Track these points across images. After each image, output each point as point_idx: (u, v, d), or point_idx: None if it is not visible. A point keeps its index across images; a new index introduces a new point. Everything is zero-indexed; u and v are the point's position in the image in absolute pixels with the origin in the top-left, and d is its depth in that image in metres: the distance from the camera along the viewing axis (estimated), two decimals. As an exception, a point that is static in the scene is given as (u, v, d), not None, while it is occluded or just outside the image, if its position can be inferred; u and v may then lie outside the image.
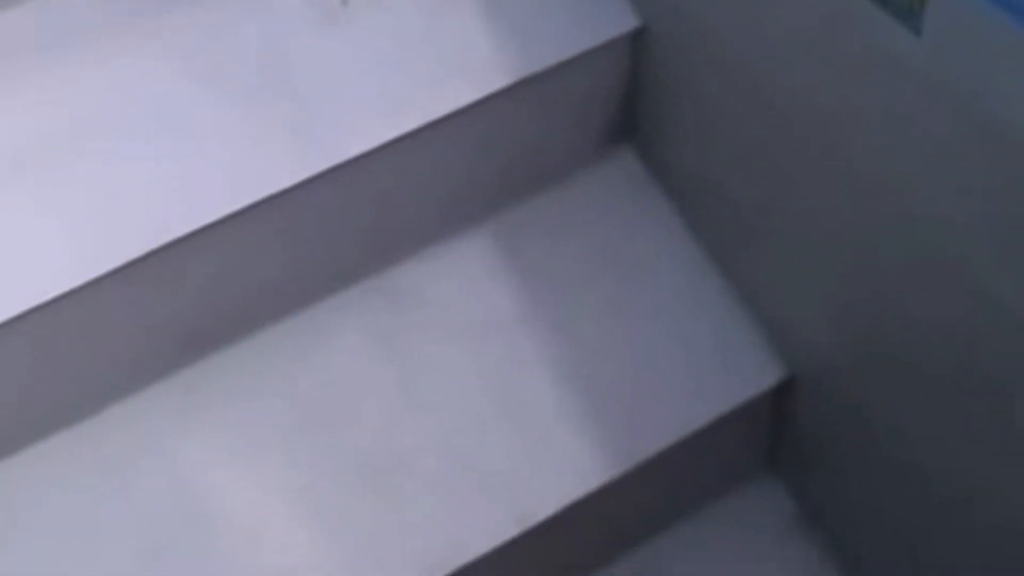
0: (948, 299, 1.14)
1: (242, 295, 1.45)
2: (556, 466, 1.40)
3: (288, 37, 1.43)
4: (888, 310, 1.26)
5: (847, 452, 1.46)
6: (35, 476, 1.38)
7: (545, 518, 1.38)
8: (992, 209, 1.04)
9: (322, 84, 1.40)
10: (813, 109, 1.23)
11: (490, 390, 1.45)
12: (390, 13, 1.45)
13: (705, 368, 1.46)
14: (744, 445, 1.59)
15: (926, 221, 1.12)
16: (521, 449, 1.41)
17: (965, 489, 1.26)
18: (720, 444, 1.50)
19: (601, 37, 1.47)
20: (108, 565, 1.35)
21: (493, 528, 1.37)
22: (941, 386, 1.22)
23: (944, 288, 1.14)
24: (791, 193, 1.33)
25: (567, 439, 1.41)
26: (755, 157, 1.37)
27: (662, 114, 1.53)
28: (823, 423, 1.48)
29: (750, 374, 1.46)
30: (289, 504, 1.39)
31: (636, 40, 1.48)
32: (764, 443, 1.60)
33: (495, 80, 1.42)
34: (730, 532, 1.60)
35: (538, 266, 1.52)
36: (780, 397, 1.48)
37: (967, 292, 1.11)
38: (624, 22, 1.47)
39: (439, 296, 1.51)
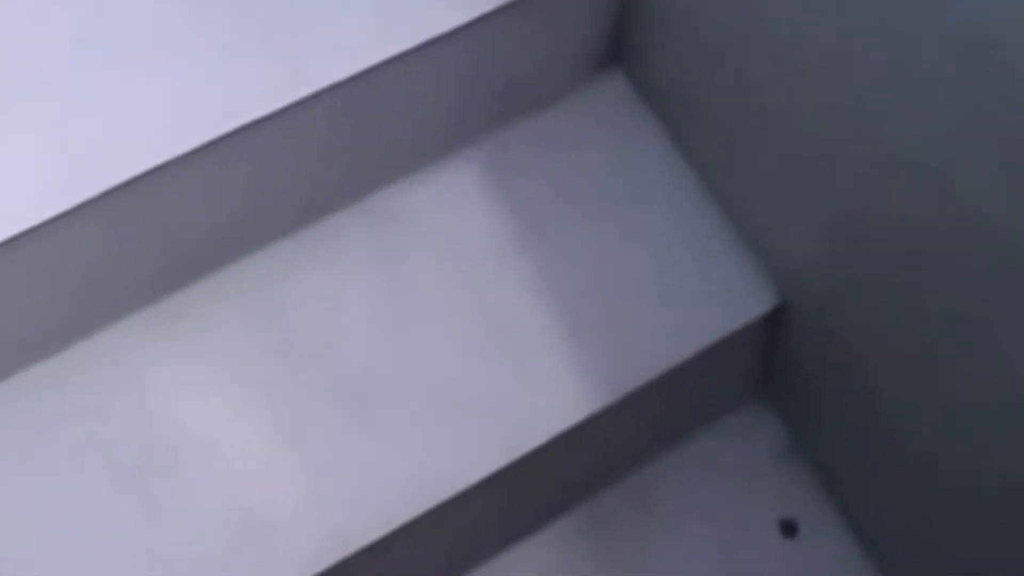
0: (926, 209, 1.13)
1: (226, 221, 1.42)
2: (545, 395, 1.39)
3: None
4: (875, 228, 1.24)
5: (837, 379, 1.45)
6: (10, 405, 1.38)
7: (534, 448, 1.37)
8: (968, 120, 1.03)
9: (307, 7, 1.37)
10: (801, 30, 1.21)
11: (479, 317, 1.43)
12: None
13: (697, 295, 1.43)
14: (735, 373, 1.57)
15: (905, 136, 1.12)
16: (510, 378, 1.40)
17: (953, 411, 1.26)
18: (711, 372, 1.49)
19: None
20: (85, 488, 1.34)
21: (480, 459, 1.36)
22: (925, 307, 1.22)
23: (923, 200, 1.13)
24: (780, 113, 1.31)
25: (557, 368, 1.40)
26: (744, 79, 1.34)
27: (651, 38, 1.50)
28: (814, 350, 1.47)
29: (742, 301, 1.44)
30: (270, 432, 1.37)
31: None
32: (755, 371, 1.59)
33: (484, 3, 1.39)
34: (720, 460, 1.59)
35: (529, 191, 1.50)
36: (772, 324, 1.47)
37: (945, 203, 1.10)
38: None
39: (427, 219, 1.49)
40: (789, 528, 1.54)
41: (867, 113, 1.16)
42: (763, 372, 1.59)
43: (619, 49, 1.55)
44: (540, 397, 1.39)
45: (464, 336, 1.43)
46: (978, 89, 1.00)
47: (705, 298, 1.44)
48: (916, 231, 1.17)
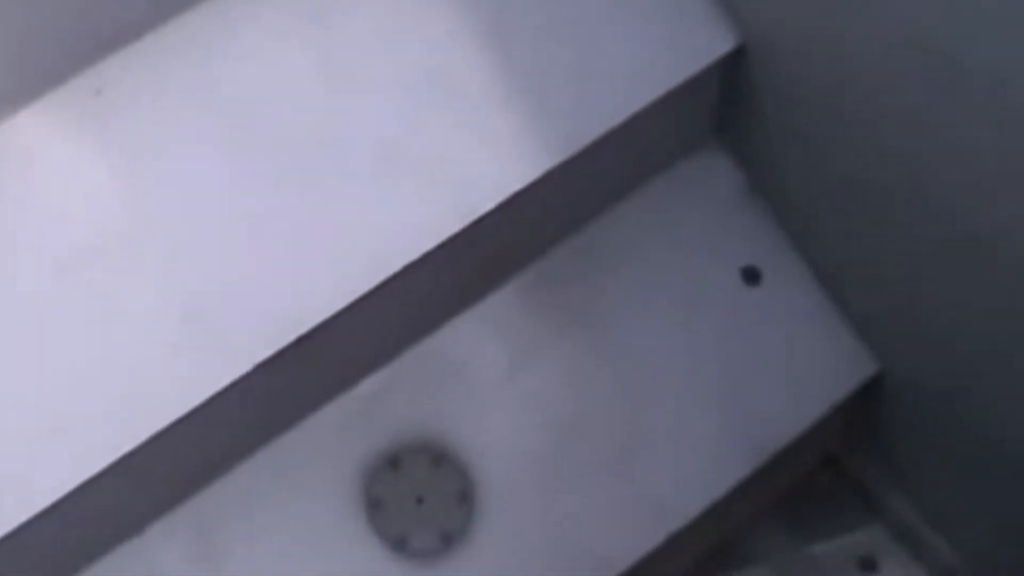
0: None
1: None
2: (499, 154, 1.31)
3: None
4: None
5: (797, 119, 1.39)
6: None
7: (489, 210, 1.31)
8: None
9: None
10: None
11: (425, 71, 1.33)
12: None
13: (654, 39, 1.34)
14: (691, 118, 1.50)
15: None
16: (460, 137, 1.31)
17: (902, 157, 1.22)
18: (668, 118, 1.41)
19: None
20: (22, 282, 1.27)
21: (434, 224, 1.30)
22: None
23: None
24: None
25: (509, 124, 1.31)
26: None
27: None
28: (774, 91, 1.40)
29: (701, 44, 1.35)
30: (211, 208, 1.29)
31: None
32: (711, 115, 1.51)
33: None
34: (677, 208, 1.53)
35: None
36: (730, 65, 1.39)
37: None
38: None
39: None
40: (752, 275, 1.50)
41: None
42: (719, 116, 1.52)
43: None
44: (493, 156, 1.31)
45: (411, 93, 1.33)
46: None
47: (664, 42, 1.35)
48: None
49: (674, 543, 1.45)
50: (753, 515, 1.68)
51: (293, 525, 1.40)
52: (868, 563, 1.65)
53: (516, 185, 1.31)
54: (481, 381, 1.46)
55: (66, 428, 1.23)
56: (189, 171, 1.30)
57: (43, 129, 1.30)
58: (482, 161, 1.32)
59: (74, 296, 1.25)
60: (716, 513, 1.48)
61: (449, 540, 1.40)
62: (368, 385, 1.45)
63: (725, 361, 1.48)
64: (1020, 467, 1.33)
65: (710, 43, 1.36)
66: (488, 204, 1.31)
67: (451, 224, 1.30)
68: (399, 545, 1.40)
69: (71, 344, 1.25)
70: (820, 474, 1.74)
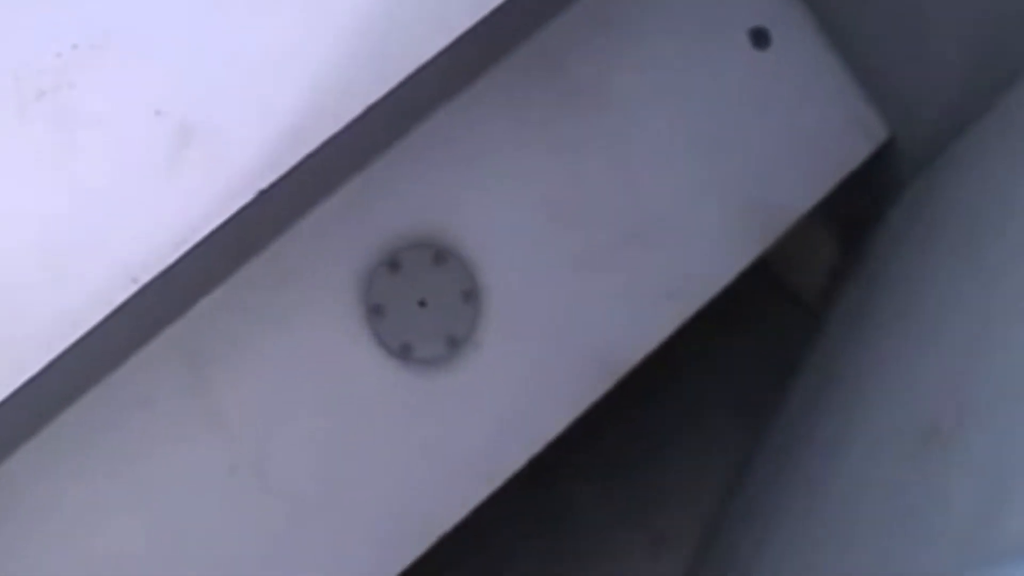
0: None
1: None
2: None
3: None
4: None
5: None
6: None
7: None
8: None
9: None
10: None
11: None
12: None
13: None
14: None
15: None
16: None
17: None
18: None
19: None
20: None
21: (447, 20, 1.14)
22: None
23: None
24: None
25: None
26: None
27: None
28: None
29: None
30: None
31: None
32: None
33: None
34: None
35: None
36: None
37: None
38: None
39: None
40: (760, 37, 1.38)
41: None
42: None
43: None
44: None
45: None
46: None
47: None
48: None
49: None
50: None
51: (289, 343, 1.29)
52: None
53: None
54: (481, 168, 1.34)
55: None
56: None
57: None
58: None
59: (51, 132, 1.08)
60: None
61: (455, 344, 1.32)
62: (358, 182, 1.32)
63: (733, 133, 1.39)
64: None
65: None
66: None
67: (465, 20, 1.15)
68: (404, 353, 1.31)
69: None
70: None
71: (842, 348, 1.42)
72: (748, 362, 1.69)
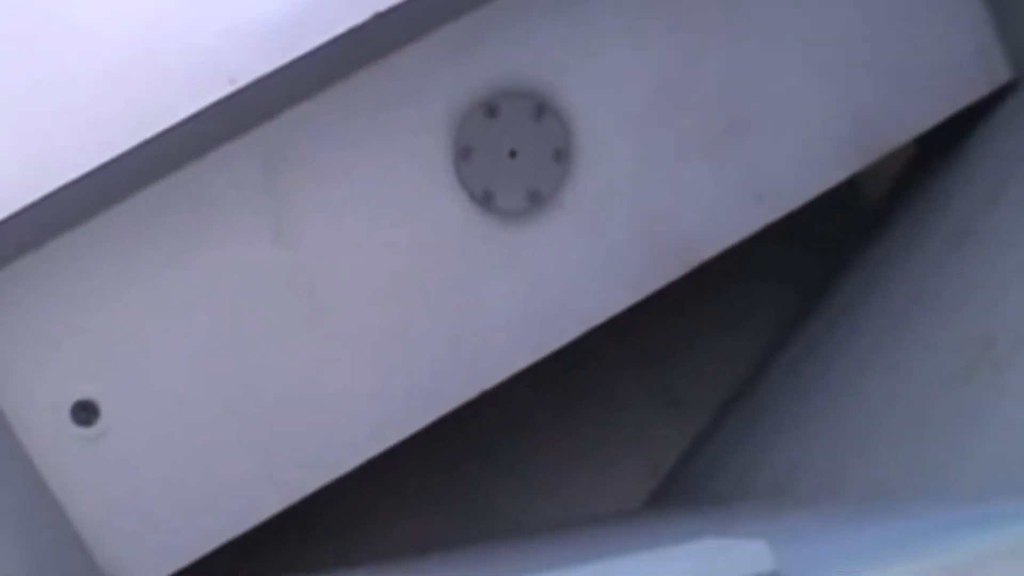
0: None
1: None
2: None
3: None
4: None
5: None
6: None
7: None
8: None
9: None
10: None
11: None
12: None
13: None
14: None
15: None
16: None
17: None
18: None
19: None
20: None
21: None
22: None
23: None
24: None
25: None
26: None
27: None
28: None
29: None
30: None
31: None
32: None
33: None
34: None
35: None
36: None
37: None
38: None
39: None
40: (908, -51, 1.32)
41: None
42: None
43: None
44: None
45: None
46: None
47: None
48: None
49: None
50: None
51: (370, 165, 1.25)
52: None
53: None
54: (599, 33, 1.27)
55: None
56: None
57: None
58: None
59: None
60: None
61: (537, 200, 1.28)
62: (469, 19, 1.25)
63: (855, 44, 1.33)
64: None
65: None
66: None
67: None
68: (485, 199, 1.27)
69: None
70: None
71: (903, 248, 1.39)
72: (797, 248, 1.67)
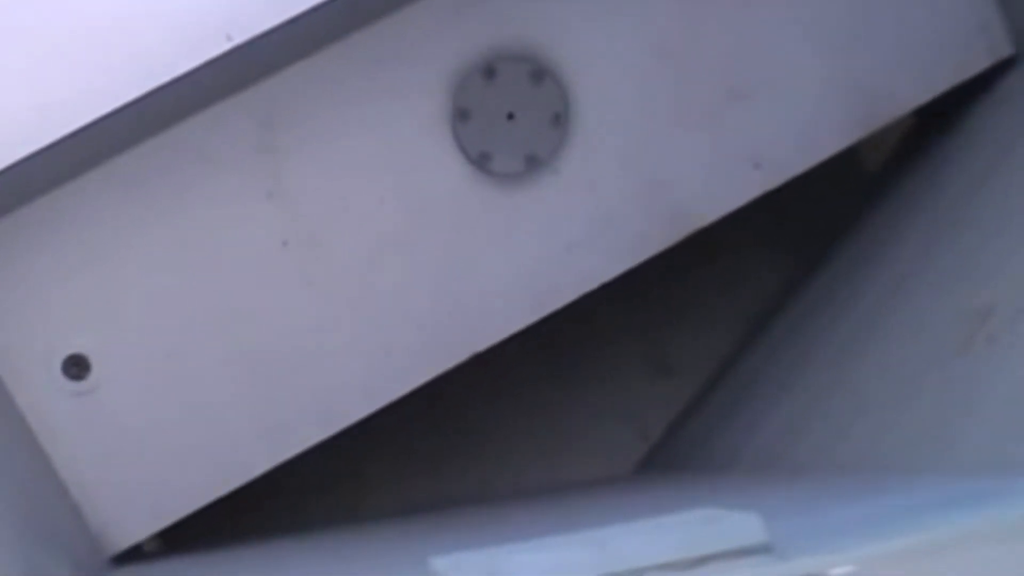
0: None
1: None
2: None
3: None
4: None
5: None
6: None
7: None
8: None
9: None
10: None
11: None
12: None
13: None
14: None
15: None
16: None
17: None
18: None
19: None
20: None
21: None
22: None
23: None
24: None
25: None
26: None
27: None
28: None
29: None
30: None
31: None
32: None
33: None
34: None
35: None
36: None
37: None
38: None
39: None
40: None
41: None
42: None
43: None
44: None
45: None
46: None
47: None
48: None
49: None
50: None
51: (368, 125, 1.24)
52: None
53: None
54: (597, -5, 1.28)
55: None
56: None
57: None
58: None
59: None
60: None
61: (534, 164, 1.27)
62: (473, -21, 1.25)
63: (858, 14, 1.32)
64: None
65: None
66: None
67: None
68: (481, 161, 1.26)
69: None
70: None
71: (902, 219, 1.39)
72: (792, 217, 1.66)
